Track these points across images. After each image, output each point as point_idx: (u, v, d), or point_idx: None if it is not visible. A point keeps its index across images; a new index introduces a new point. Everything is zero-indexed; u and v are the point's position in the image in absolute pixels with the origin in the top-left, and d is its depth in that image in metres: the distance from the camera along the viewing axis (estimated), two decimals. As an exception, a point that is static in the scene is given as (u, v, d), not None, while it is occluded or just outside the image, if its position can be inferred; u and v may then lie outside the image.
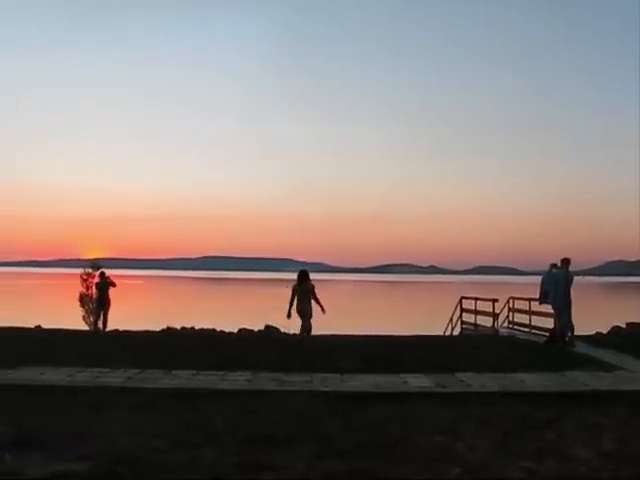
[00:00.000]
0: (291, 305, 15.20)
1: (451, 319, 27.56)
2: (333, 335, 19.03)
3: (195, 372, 11.73)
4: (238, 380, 11.07)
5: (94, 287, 23.90)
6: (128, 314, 30.34)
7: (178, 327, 24.63)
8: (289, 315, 15.23)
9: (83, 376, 11.32)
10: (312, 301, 15.39)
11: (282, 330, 23.28)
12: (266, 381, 10.98)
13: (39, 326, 22.11)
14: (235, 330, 24.06)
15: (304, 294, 15.25)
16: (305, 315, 15.26)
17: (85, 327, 23.28)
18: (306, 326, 15.36)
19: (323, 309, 15.22)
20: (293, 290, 15.36)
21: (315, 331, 16.02)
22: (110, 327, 22.47)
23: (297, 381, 10.95)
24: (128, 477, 5.74)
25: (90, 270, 24.84)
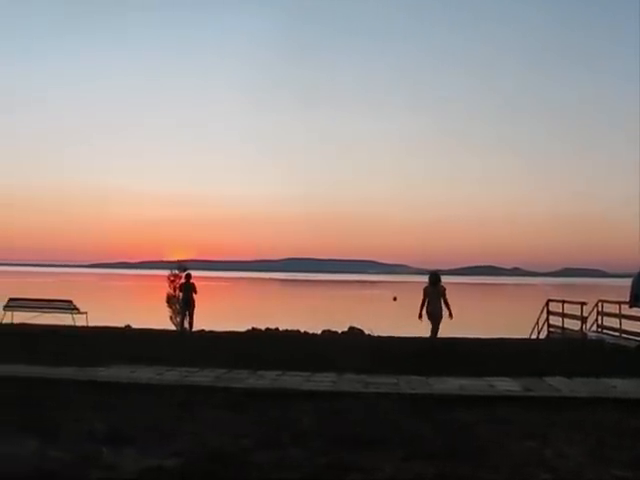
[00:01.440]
0: (422, 306, 15.29)
1: (537, 322, 27.01)
2: (415, 338, 18.91)
3: (280, 372, 11.85)
4: (323, 381, 11.12)
5: (180, 288, 24.43)
6: (214, 315, 30.86)
7: (263, 328, 24.94)
8: (420, 316, 15.33)
9: (172, 375, 11.58)
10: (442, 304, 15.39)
11: (366, 332, 23.31)
12: (351, 382, 10.99)
13: (129, 326, 22.73)
14: (319, 331, 24.19)
15: (436, 296, 15.28)
16: (435, 317, 15.29)
17: (172, 327, 23.79)
18: (435, 328, 15.37)
19: (451, 313, 15.21)
20: (425, 291, 15.44)
21: (398, 333, 15.99)
22: (196, 327, 22.93)
23: (382, 383, 10.92)
24: (220, 474, 5.85)
25: (177, 272, 25.37)
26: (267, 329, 24.86)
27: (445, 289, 15.44)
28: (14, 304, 25.19)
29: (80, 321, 23.64)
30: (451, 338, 18.72)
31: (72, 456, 6.36)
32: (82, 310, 24.64)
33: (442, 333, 15.65)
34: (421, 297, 15.46)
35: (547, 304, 26.96)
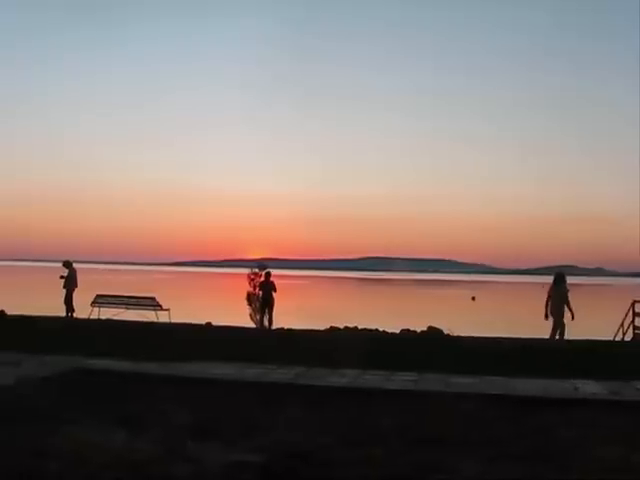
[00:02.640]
0: (547, 306, 15.22)
1: (622, 324, 26.28)
2: (495, 338, 18.65)
3: (360, 371, 11.86)
4: (404, 380, 11.08)
5: (259, 286, 24.74)
6: (292, 313, 31.12)
7: (341, 326, 24.99)
8: (546, 316, 15.25)
9: (252, 372, 11.72)
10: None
11: (445, 332, 23.11)
12: (432, 382, 10.92)
13: (209, 323, 23.08)
14: (397, 330, 24.09)
15: (560, 296, 15.17)
16: (559, 317, 15.17)
17: (252, 325, 24.08)
18: (559, 328, 15.23)
19: (573, 315, 15.05)
20: (549, 292, 15.36)
21: (478, 333, 15.80)
22: (275, 325, 23.20)
23: (464, 383, 10.81)
24: (302, 471, 5.91)
25: (257, 270, 25.66)
26: (345, 327, 24.88)
27: (568, 290, 15.24)
28: (101, 300, 25.97)
29: (163, 318, 24.17)
30: (534, 339, 18.41)
31: (158, 448, 6.53)
32: (165, 307, 25.19)
33: (528, 334, 15.41)
34: (543, 298, 15.24)
35: (632, 305, 26.22)
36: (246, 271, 27.57)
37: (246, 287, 26.50)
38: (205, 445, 6.66)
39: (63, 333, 17.57)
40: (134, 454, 6.31)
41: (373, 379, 11.15)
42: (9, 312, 24.84)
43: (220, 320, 23.70)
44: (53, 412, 8.05)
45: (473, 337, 19.28)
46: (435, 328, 24.94)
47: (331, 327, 24.26)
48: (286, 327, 22.11)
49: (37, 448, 6.41)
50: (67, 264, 24.66)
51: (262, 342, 16.92)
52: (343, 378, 11.21)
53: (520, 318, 42.28)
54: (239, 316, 25.14)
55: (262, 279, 24.47)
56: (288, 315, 26.77)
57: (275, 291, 23.52)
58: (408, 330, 24.67)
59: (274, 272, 24.94)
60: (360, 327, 24.75)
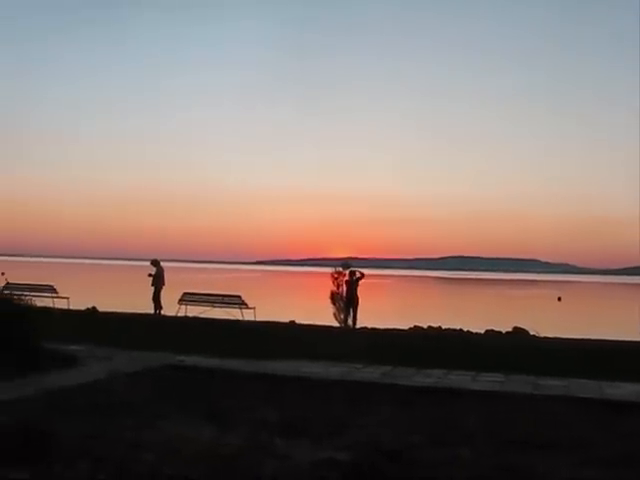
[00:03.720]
0: None
1: None
2: (583, 340, 18.23)
3: (446, 371, 11.78)
4: (490, 381, 10.95)
5: (344, 285, 24.78)
6: (376, 312, 31.09)
7: (424, 326, 24.83)
8: None
9: (337, 370, 11.78)
10: None
11: (531, 333, 22.70)
12: (519, 383, 10.74)
13: (293, 321, 23.28)
14: (482, 331, 23.77)
15: None
16: None
17: (336, 324, 24.15)
18: None
19: None
20: None
21: (564, 334, 15.45)
22: (359, 324, 23.22)
23: (553, 385, 10.60)
24: (389, 470, 5.92)
25: (341, 269, 25.71)
26: (429, 327, 24.71)
27: None
28: (188, 298, 26.52)
29: (248, 316, 24.50)
30: (624, 341, 17.93)
31: (247, 444, 6.65)
32: (250, 305, 25.53)
33: (617, 336, 14.96)
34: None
35: None
36: (328, 270, 27.64)
37: (330, 286, 26.58)
38: (293, 442, 6.76)
39: (151, 330, 18.06)
40: (224, 448, 6.45)
41: (458, 379, 11.07)
42: (100, 309, 25.68)
43: (304, 319, 23.88)
44: (145, 406, 8.32)
45: (560, 338, 18.90)
46: (521, 329, 24.50)
47: (415, 326, 24.15)
48: (370, 326, 22.13)
49: (132, 440, 6.63)
50: (155, 262, 25.29)
51: (346, 341, 16.99)
52: (428, 378, 11.16)
53: (609, 319, 41.20)
54: (323, 315, 25.22)
55: (346, 278, 24.54)
56: (372, 314, 26.75)
57: (362, 276, 23.96)
58: (493, 330, 24.31)
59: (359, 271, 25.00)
60: (444, 327, 24.54)
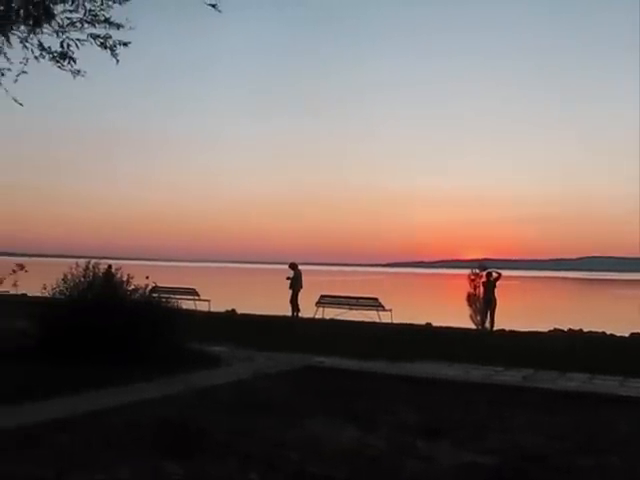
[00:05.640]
0: None
1: None
2: None
3: (590, 375, 11.40)
4: (639, 387, 10.52)
5: (481, 287, 24.42)
6: (514, 314, 30.39)
7: (564, 329, 24.08)
8: None
9: (478, 373, 11.65)
10: None
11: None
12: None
13: (429, 324, 23.12)
14: (626, 334, 22.78)
15: None
16: None
17: (472, 326, 23.81)
18: None
19: None
20: None
21: None
22: (496, 327, 22.80)
23: None
24: (536, 476, 5.80)
25: (477, 270, 25.34)
26: (570, 330, 23.92)
27: None
28: (325, 300, 26.83)
29: (385, 318, 24.52)
30: None
31: (389, 445, 6.69)
32: (387, 307, 25.54)
33: None
34: None
35: None
36: (461, 272, 27.33)
37: (465, 287, 26.23)
38: (434, 444, 6.74)
39: (290, 331, 18.42)
40: (366, 449, 6.52)
41: (604, 384, 10.68)
42: (239, 311, 26.41)
43: (439, 321, 23.68)
44: (287, 405, 8.51)
45: None
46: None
47: (555, 329, 23.44)
48: (507, 329, 21.68)
49: (276, 438, 6.81)
50: (293, 266, 25.72)
51: (485, 343, 16.74)
52: (571, 382, 10.85)
53: None
54: (459, 317, 24.93)
55: (484, 279, 24.17)
56: (509, 316, 26.18)
57: (499, 277, 23.66)
58: (639, 334, 23.24)
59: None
60: (585, 330, 23.69)
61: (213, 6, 8.33)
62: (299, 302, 25.09)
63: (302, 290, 25.27)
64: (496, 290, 23.97)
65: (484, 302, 23.72)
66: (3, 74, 8.39)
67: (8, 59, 8.39)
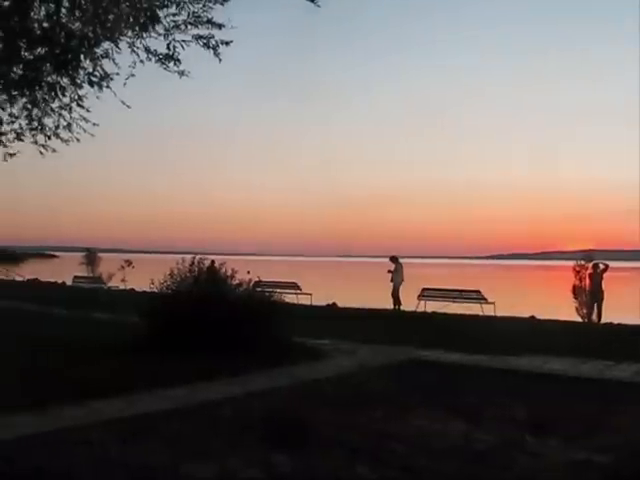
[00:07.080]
0: None
1: None
2: None
3: None
4: None
5: (587, 278, 23.73)
6: (621, 307, 29.36)
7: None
8: None
9: (587, 367, 11.32)
10: None
11: None
12: None
13: (533, 317, 22.61)
14: None
15: None
16: None
17: (578, 319, 23.16)
18: None
19: None
20: None
21: None
22: (604, 319, 22.12)
23: None
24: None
25: (583, 262, 24.62)
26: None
27: None
28: (427, 294, 26.62)
29: (487, 310, 24.14)
30: None
31: (497, 440, 6.60)
32: (489, 300, 25.14)
33: None
34: None
35: None
36: (564, 263, 26.61)
37: (570, 279, 25.52)
38: (544, 440, 6.61)
39: (391, 325, 18.38)
40: (474, 444, 6.45)
41: None
42: (340, 304, 26.53)
43: (544, 314, 23.12)
44: (392, 398, 8.52)
45: None
46: None
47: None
48: (616, 322, 20.98)
49: (382, 431, 6.83)
50: (394, 259, 25.61)
51: (592, 337, 16.23)
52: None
53: None
54: (564, 310, 24.27)
55: (589, 271, 23.46)
56: (617, 309, 25.30)
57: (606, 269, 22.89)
58: None
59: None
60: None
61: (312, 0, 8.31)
62: (400, 295, 24.99)
63: (403, 283, 25.16)
64: (603, 282, 23.21)
65: (590, 294, 23.02)
66: (112, 79, 8.71)
67: (116, 64, 8.71)
